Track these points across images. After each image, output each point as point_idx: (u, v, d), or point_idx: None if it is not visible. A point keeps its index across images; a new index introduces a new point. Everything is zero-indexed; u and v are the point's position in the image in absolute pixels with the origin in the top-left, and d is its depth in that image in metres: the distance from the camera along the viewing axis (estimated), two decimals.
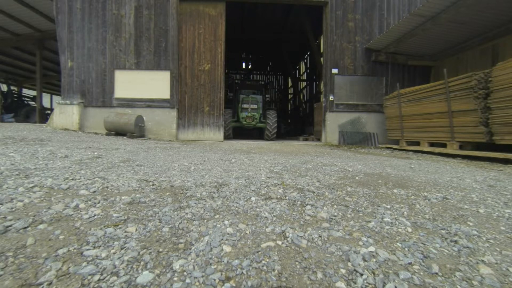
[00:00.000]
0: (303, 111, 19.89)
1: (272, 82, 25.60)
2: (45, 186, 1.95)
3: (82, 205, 1.59)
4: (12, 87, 17.44)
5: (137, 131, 8.21)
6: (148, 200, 1.75)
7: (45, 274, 0.90)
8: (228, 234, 1.28)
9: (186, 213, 1.54)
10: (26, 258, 0.99)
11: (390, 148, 8.05)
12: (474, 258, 1.11)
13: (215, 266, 0.99)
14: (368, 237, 1.30)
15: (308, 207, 1.72)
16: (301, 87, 20.74)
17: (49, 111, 17.87)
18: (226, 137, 10.91)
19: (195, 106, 9.33)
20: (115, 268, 0.95)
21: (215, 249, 1.12)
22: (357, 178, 2.80)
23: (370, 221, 1.50)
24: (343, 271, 0.99)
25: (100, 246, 1.12)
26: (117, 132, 8.27)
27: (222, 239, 1.22)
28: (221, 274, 0.94)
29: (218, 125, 9.38)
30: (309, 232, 1.33)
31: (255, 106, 11.39)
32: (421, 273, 0.99)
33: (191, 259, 1.04)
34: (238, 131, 12.30)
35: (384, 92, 9.24)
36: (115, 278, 0.90)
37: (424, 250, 1.17)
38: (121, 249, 1.10)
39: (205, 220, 1.44)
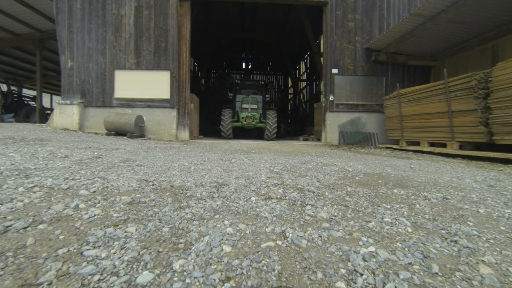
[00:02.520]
0: (303, 111, 19.90)
1: (272, 82, 25.60)
2: (45, 186, 1.95)
3: (82, 205, 1.59)
4: (12, 87, 17.42)
5: (137, 131, 8.21)
6: (148, 200, 1.75)
7: (45, 274, 0.90)
8: (228, 234, 1.28)
9: (186, 213, 1.54)
10: (26, 258, 0.99)
11: (390, 148, 8.05)
12: (474, 258, 1.11)
13: (215, 266, 0.99)
14: (368, 237, 1.30)
15: (308, 207, 1.72)
16: (301, 87, 20.74)
17: (49, 111, 17.87)
18: (227, 137, 10.92)
19: None
20: (115, 268, 0.95)
21: (215, 249, 1.12)
22: (357, 178, 2.80)
23: (370, 221, 1.50)
24: (343, 271, 0.99)
25: (100, 246, 1.12)
26: (117, 132, 8.27)
27: (222, 239, 1.21)
28: (221, 274, 0.94)
29: (184, 124, 9.38)
30: (309, 232, 1.33)
31: (255, 106, 11.38)
32: (421, 273, 0.99)
33: (191, 259, 1.04)
34: (238, 131, 12.30)
35: (384, 92, 9.24)
36: (115, 278, 0.90)
37: (424, 250, 1.17)
38: (121, 249, 1.10)
39: (205, 220, 1.44)
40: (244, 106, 11.39)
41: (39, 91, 14.25)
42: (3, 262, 0.95)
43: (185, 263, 1.00)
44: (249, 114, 11.16)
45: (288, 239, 1.25)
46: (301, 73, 21.31)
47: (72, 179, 2.19)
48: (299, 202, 1.82)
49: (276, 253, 1.11)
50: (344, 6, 9.25)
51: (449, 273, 0.99)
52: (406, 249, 1.18)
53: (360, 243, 1.23)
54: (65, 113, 8.83)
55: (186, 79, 9.34)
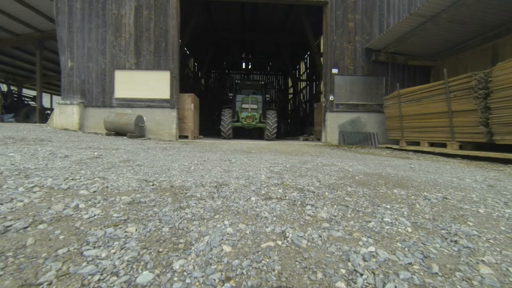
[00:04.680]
0: (303, 111, 19.90)
1: (272, 82, 25.60)
2: (45, 186, 1.95)
3: (82, 205, 1.59)
4: (12, 87, 17.42)
5: (137, 131, 8.21)
6: (148, 200, 1.75)
7: (45, 274, 0.90)
8: (228, 234, 1.28)
9: (186, 213, 1.54)
10: (26, 258, 0.99)
11: (390, 148, 8.05)
12: (474, 258, 1.11)
13: (215, 266, 0.99)
14: (368, 237, 1.30)
15: (308, 207, 1.72)
16: (301, 87, 20.74)
17: (49, 111, 17.86)
18: (227, 137, 10.93)
19: None
20: (115, 268, 0.95)
21: (215, 249, 1.12)
22: (357, 178, 2.79)
23: (370, 221, 1.50)
24: (343, 271, 0.99)
25: (100, 246, 1.12)
26: (117, 132, 8.27)
27: (222, 239, 1.21)
28: (221, 274, 0.94)
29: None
30: (309, 232, 1.33)
31: (255, 106, 11.38)
32: (421, 273, 0.99)
33: (191, 259, 1.04)
34: (238, 131, 12.30)
35: (384, 92, 9.24)
36: (115, 278, 0.90)
37: (424, 250, 1.17)
38: (121, 249, 1.10)
39: (205, 220, 1.44)
40: (244, 106, 11.38)
41: (39, 91, 14.25)
42: (3, 262, 0.95)
43: (185, 263, 1.00)
44: (249, 114, 11.15)
45: (288, 239, 1.25)
46: (301, 73, 21.30)
47: (72, 179, 2.19)
48: (299, 202, 1.82)
49: (276, 253, 1.11)
50: (344, 6, 9.25)
51: (449, 273, 0.99)
52: (406, 249, 1.18)
53: (360, 243, 1.22)
54: (65, 113, 8.83)
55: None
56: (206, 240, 1.19)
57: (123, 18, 8.91)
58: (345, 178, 2.74)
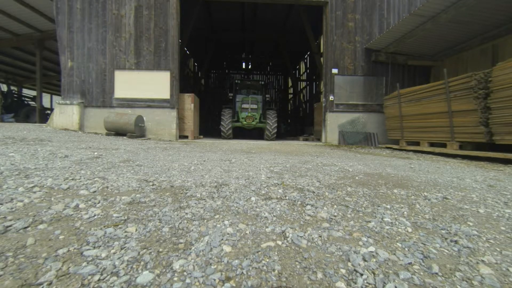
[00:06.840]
0: (303, 111, 19.90)
1: (272, 82, 25.60)
2: (45, 186, 1.95)
3: (82, 205, 1.59)
4: (12, 87, 17.42)
5: (137, 131, 8.21)
6: (148, 200, 1.75)
7: (45, 274, 0.90)
8: (228, 234, 1.28)
9: (186, 213, 1.54)
10: (26, 258, 0.99)
11: (390, 148, 8.05)
12: (474, 258, 1.11)
13: (215, 266, 0.99)
14: (368, 237, 1.30)
15: (308, 207, 1.72)
16: (301, 87, 20.74)
17: (49, 111, 17.87)
18: (227, 137, 10.94)
19: None
20: (115, 268, 0.95)
21: (215, 249, 1.12)
22: (357, 178, 2.79)
23: (370, 221, 1.50)
24: (343, 271, 0.99)
25: (100, 246, 1.12)
26: (117, 132, 8.27)
27: (222, 239, 1.21)
28: (221, 274, 0.94)
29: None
30: (309, 232, 1.33)
31: (255, 106, 11.38)
32: (421, 273, 0.99)
33: (191, 259, 1.04)
34: (238, 131, 12.30)
35: (384, 92, 9.24)
36: (115, 278, 0.90)
37: (424, 250, 1.17)
38: (121, 249, 1.10)
39: (205, 220, 1.44)
40: (244, 106, 11.38)
41: (39, 91, 14.24)
42: (3, 262, 0.95)
43: (185, 263, 1.00)
44: (249, 114, 11.15)
45: (288, 239, 1.25)
46: (301, 73, 21.30)
47: (72, 179, 2.19)
48: (299, 202, 1.82)
49: (276, 253, 1.11)
50: (344, 6, 9.25)
51: (449, 273, 0.99)
52: (406, 249, 1.18)
53: (360, 243, 1.22)
54: (65, 113, 8.83)
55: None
56: (206, 240, 1.19)
57: (123, 18, 8.91)
58: (345, 178, 2.74)
